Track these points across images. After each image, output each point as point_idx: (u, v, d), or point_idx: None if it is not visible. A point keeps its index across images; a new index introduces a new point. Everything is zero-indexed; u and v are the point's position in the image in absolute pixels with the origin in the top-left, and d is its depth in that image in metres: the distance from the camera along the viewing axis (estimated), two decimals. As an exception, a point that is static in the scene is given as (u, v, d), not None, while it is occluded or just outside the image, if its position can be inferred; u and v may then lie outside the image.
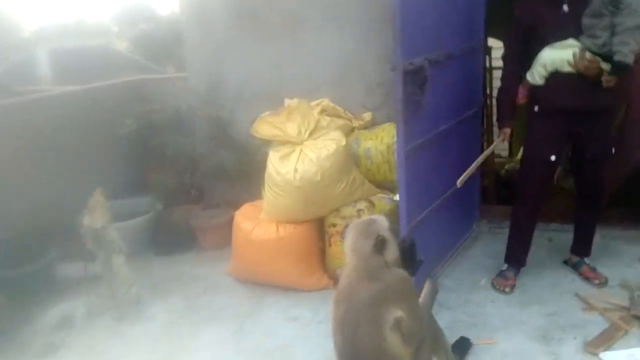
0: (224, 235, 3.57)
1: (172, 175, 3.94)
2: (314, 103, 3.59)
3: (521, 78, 2.94)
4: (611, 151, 2.94)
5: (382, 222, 2.02)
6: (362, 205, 3.20)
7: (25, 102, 3.81)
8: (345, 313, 1.90)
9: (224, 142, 3.96)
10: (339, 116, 3.63)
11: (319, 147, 3.13)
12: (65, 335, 2.93)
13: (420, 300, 2.14)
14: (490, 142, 4.63)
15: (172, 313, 3.13)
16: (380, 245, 1.90)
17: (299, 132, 3.21)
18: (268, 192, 3.22)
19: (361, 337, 1.84)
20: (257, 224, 3.24)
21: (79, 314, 3.06)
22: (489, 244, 3.63)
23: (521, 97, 3.01)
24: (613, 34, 2.58)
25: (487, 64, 5.13)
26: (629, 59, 2.51)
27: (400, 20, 2.49)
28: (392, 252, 1.96)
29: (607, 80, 2.63)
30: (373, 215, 2.13)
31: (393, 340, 1.85)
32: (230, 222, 3.44)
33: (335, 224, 3.18)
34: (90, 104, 4.08)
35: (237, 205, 3.53)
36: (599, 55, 2.62)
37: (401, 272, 1.97)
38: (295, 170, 3.08)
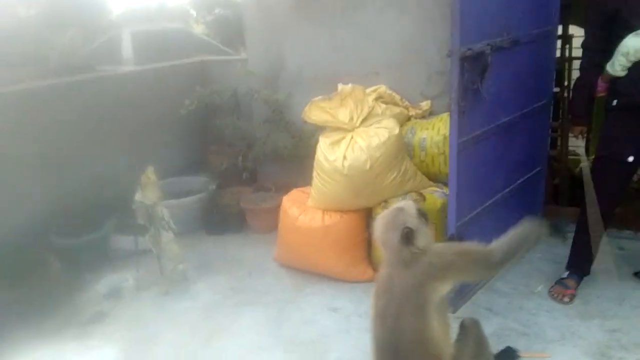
0: (274, 219, 3.55)
1: (227, 157, 3.97)
2: (370, 89, 3.47)
3: (602, 69, 2.67)
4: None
5: (410, 210, 1.90)
6: (412, 197, 3.05)
7: (92, 79, 3.97)
8: (387, 304, 1.83)
9: (280, 125, 3.94)
10: (396, 104, 3.49)
11: (371, 135, 3.02)
12: (113, 305, 3.05)
13: (505, 236, 1.96)
14: (565, 138, 4.31)
15: (217, 293, 3.17)
16: (407, 236, 1.80)
17: (351, 118, 3.11)
18: (316, 179, 3.15)
19: (404, 324, 1.77)
20: (304, 210, 3.19)
21: (128, 286, 3.16)
22: (551, 247, 3.36)
23: (600, 89, 2.72)
24: None
25: (567, 54, 4.76)
26: None
27: (459, 1, 2.31)
28: (424, 238, 1.85)
29: None
30: (400, 203, 2.00)
31: (437, 324, 1.78)
32: (279, 206, 3.42)
33: (383, 216, 3.06)
34: (154, 83, 4.20)
35: (289, 190, 3.51)
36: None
37: (440, 245, 1.89)
38: (344, 157, 2.99)
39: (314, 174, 3.17)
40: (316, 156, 3.14)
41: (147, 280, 3.22)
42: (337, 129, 3.13)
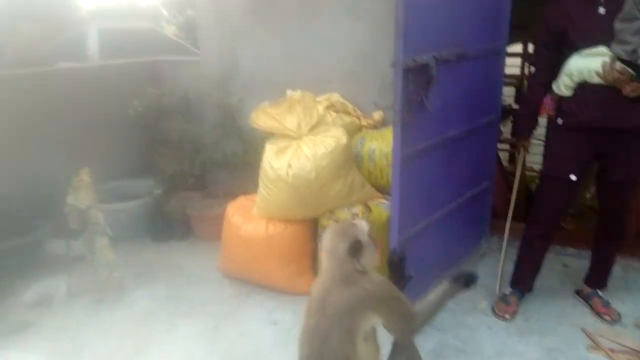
0: (220, 227, 3.44)
1: (173, 161, 3.84)
2: (321, 97, 3.42)
3: (549, 88, 2.67)
4: None
5: (363, 227, 1.88)
6: (358, 209, 3.00)
7: (39, 74, 3.78)
8: (318, 323, 1.76)
9: (231, 130, 3.84)
10: (348, 113, 3.44)
11: (317, 144, 2.95)
12: (41, 314, 2.88)
13: (426, 300, 1.95)
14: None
15: (154, 302, 3.04)
16: (355, 247, 1.75)
17: (299, 126, 3.04)
18: (261, 187, 3.07)
19: (330, 348, 1.71)
20: (248, 219, 3.10)
21: (59, 293, 3.00)
22: (498, 263, 3.34)
23: (548, 108, 2.73)
24: None
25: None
26: None
27: (404, 11, 2.27)
28: (369, 258, 1.82)
29: (633, 90, 2.33)
30: (355, 221, 1.98)
31: (364, 352, 1.74)
32: (226, 214, 3.32)
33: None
34: (104, 81, 4.05)
35: (238, 197, 3.41)
36: (628, 63, 2.32)
37: (380, 277, 1.84)
38: (289, 166, 2.91)
39: (260, 182, 3.09)
40: (262, 164, 3.06)
41: (80, 287, 3.06)
42: (284, 136, 3.05)
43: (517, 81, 5.48)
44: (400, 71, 2.34)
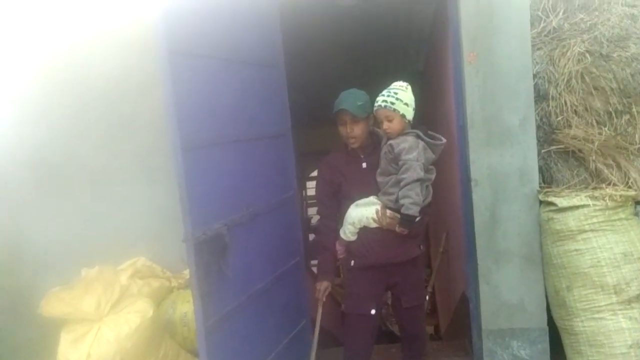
0: None
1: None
2: (125, 265, 3.26)
3: (337, 232, 2.92)
4: (425, 298, 2.95)
5: None
6: (174, 384, 2.81)
7: None
8: None
9: (23, 316, 3.37)
10: (156, 276, 3.32)
11: (120, 324, 2.75)
12: None
13: None
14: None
15: None
16: None
17: (98, 305, 2.81)
18: (58, 386, 2.71)
19: None
20: None
21: None
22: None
23: (339, 252, 2.96)
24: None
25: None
26: (413, 211, 2.59)
27: (186, 191, 2.34)
28: None
29: (402, 231, 2.68)
30: None
31: None
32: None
33: (143, 413, 2.73)
34: None
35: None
36: (396, 210, 2.68)
37: None
38: (89, 355, 2.65)
39: (56, 379, 2.73)
40: (57, 358, 2.72)
41: None
42: (82, 320, 2.79)
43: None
44: (191, 246, 2.35)
